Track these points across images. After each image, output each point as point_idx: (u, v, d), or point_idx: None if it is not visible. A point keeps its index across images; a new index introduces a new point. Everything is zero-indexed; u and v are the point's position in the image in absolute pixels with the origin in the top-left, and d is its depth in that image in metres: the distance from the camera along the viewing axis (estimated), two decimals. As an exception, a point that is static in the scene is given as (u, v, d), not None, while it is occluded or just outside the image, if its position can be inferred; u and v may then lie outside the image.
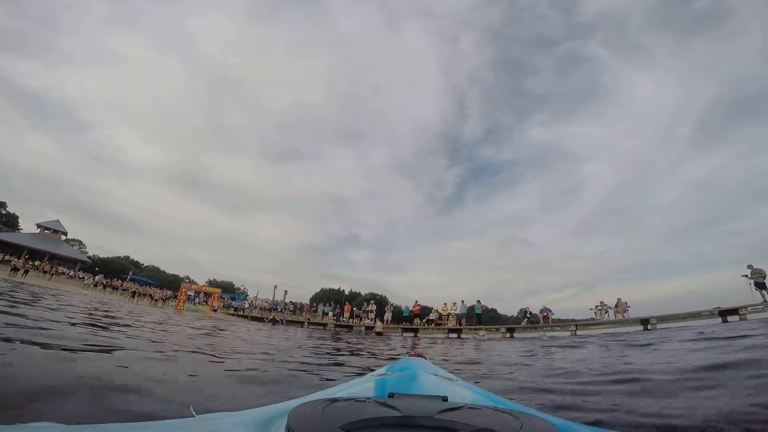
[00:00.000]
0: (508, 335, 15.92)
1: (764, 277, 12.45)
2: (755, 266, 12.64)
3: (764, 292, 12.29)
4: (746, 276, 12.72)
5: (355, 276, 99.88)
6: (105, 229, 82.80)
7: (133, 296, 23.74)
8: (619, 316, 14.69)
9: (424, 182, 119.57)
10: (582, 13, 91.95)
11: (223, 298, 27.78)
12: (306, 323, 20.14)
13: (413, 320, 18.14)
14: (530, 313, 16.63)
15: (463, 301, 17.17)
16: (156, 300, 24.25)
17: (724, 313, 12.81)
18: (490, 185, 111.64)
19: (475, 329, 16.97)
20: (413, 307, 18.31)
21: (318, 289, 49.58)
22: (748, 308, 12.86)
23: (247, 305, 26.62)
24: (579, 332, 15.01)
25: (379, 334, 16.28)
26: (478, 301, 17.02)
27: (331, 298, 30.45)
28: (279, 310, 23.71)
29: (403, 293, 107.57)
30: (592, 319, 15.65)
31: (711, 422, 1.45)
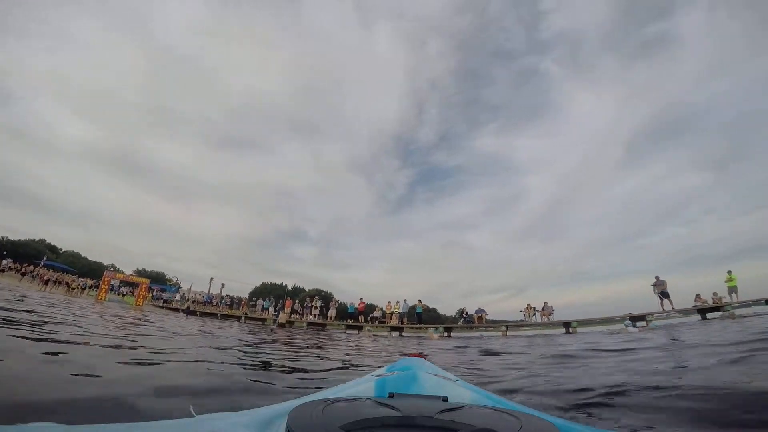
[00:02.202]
0: (446, 334, 16.68)
1: (666, 288, 14.44)
2: (660, 278, 14.59)
3: (666, 300, 14.25)
4: (653, 286, 14.61)
5: (300, 272, 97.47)
6: (18, 208, 71.51)
7: (45, 284, 20.71)
8: (545, 319, 16.09)
9: (376, 181, 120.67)
10: (543, 30, 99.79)
11: (152, 290, 25.43)
12: (243, 318, 19.19)
13: (358, 317, 18.18)
14: (466, 313, 17.54)
15: (405, 300, 17.61)
16: (73, 288, 21.41)
17: (634, 319, 14.67)
18: (438, 189, 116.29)
19: (417, 328, 17.51)
20: (358, 304, 18.33)
21: (259, 284, 47.50)
22: (654, 315, 14.88)
23: (178, 297, 24.63)
24: (509, 333, 16.21)
25: (282, 326, 15.97)
26: (420, 300, 17.57)
27: (272, 293, 29.32)
28: (214, 303, 22.29)
29: (349, 290, 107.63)
30: (522, 321, 16.95)
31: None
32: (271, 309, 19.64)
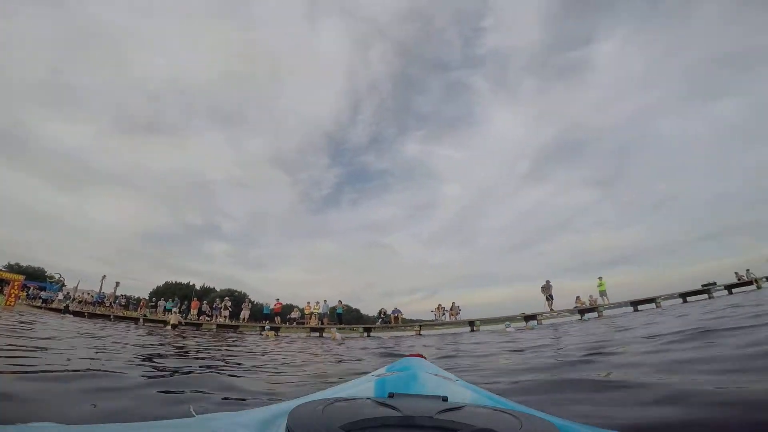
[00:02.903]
0: (365, 335, 16.89)
1: (551, 291, 16.47)
2: (549, 282, 16.60)
3: (551, 302, 16.25)
4: (542, 288, 16.56)
5: (211, 270, 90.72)
6: None
7: None
8: (453, 318, 17.21)
9: (302, 179, 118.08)
10: (479, 46, 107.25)
11: (28, 287, 21.39)
12: (141, 320, 17.15)
13: (274, 318, 17.45)
14: (384, 313, 17.97)
15: (325, 301, 17.41)
16: None
17: (528, 318, 16.44)
18: (364, 191, 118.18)
19: (339, 328, 17.41)
20: (274, 305, 17.61)
21: (161, 283, 42.75)
22: (544, 314, 16.84)
23: (61, 297, 21.08)
24: (423, 332, 17.02)
25: (175, 327, 14.92)
26: (340, 301, 17.54)
27: (177, 293, 26.70)
28: (107, 304, 19.55)
29: (266, 291, 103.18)
30: (433, 320, 17.91)
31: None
32: (175, 310, 17.87)
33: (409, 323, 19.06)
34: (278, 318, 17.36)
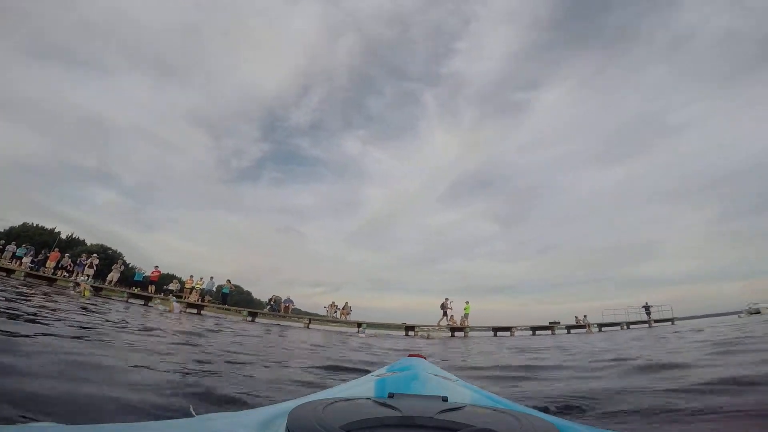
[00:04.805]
0: (249, 319, 16.48)
1: (447, 308, 17.97)
2: (448, 299, 18.09)
3: (446, 317, 17.75)
4: (442, 305, 18.04)
5: (86, 220, 78.96)
6: None
7: None
8: (344, 317, 17.78)
9: (224, 146, 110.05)
10: (444, 65, 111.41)
11: None
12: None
13: (148, 287, 16.00)
14: (275, 301, 17.77)
15: (212, 278, 16.58)
16: None
17: (408, 329, 17.76)
18: (290, 173, 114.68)
19: (218, 308, 16.66)
20: (152, 272, 16.17)
21: (18, 224, 35.44)
22: (423, 327, 18.31)
23: None
24: (312, 326, 17.25)
25: None
26: (229, 280, 16.87)
27: (35, 238, 22.85)
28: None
29: (152, 255, 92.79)
30: (324, 316, 18.26)
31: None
32: (26, 260, 15.29)
33: (301, 315, 19.10)
34: (152, 287, 15.96)
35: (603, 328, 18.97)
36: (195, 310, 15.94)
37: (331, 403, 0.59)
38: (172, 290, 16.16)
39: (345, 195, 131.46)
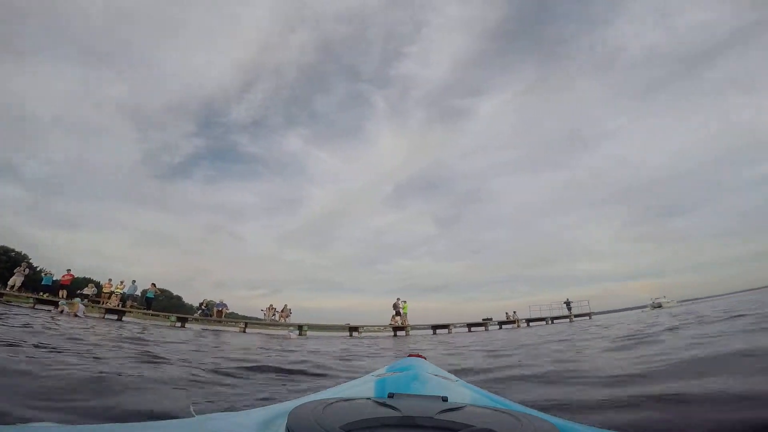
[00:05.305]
0: (178, 324, 15.45)
1: (399, 308, 18.30)
2: (400, 299, 18.38)
3: (399, 316, 18.01)
4: (394, 305, 18.33)
5: None
6: None
7: None
8: (283, 320, 17.37)
9: (153, 138, 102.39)
10: (395, 68, 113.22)
11: None
12: None
13: (58, 292, 14.34)
14: (206, 305, 16.88)
15: (134, 281, 15.32)
16: None
17: (351, 329, 17.83)
18: (226, 170, 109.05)
19: (145, 314, 15.41)
20: (63, 276, 14.54)
21: None
22: (366, 327, 18.49)
23: None
24: (249, 330, 16.59)
25: None
26: (153, 284, 15.71)
27: None
28: None
29: (65, 258, 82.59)
30: (262, 319, 17.71)
31: None
32: None
33: (236, 319, 18.27)
34: (64, 292, 14.33)
35: (531, 323, 20.70)
36: (115, 316, 14.63)
37: (331, 403, 0.59)
38: (88, 295, 14.66)
39: (284, 194, 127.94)
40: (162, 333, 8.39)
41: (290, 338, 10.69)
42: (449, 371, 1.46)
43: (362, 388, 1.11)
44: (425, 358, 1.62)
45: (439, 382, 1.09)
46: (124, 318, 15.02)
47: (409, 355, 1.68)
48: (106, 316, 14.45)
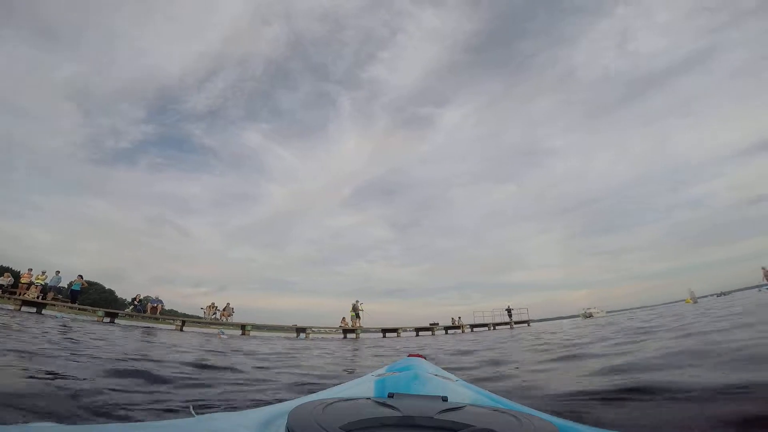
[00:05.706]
0: (107, 320, 14.39)
1: (359, 311, 18.35)
2: (359, 301, 18.51)
3: (359, 318, 18.09)
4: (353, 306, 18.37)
5: None
6: None
7: None
8: (224, 319, 16.76)
9: (98, 123, 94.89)
10: (365, 71, 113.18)
11: None
12: None
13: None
14: (139, 301, 15.89)
15: (58, 272, 14.07)
16: None
17: (299, 330, 17.60)
18: (175, 159, 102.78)
19: (71, 308, 14.14)
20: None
21: None
22: (313, 329, 18.35)
23: None
24: (186, 328, 15.80)
25: None
26: (80, 276, 14.53)
27: None
28: None
29: None
30: (202, 318, 16.96)
31: None
32: None
33: (173, 316, 17.35)
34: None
35: (474, 329, 21.66)
36: (33, 309, 13.33)
37: (331, 403, 0.60)
38: (2, 285, 13.22)
39: (239, 189, 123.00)
40: (75, 328, 7.81)
41: (220, 337, 10.37)
42: (449, 371, 1.48)
43: (362, 388, 1.12)
44: (425, 358, 1.63)
45: (439, 382, 1.10)
46: (44, 311, 13.76)
47: (409, 355, 1.70)
48: (23, 309, 13.15)
